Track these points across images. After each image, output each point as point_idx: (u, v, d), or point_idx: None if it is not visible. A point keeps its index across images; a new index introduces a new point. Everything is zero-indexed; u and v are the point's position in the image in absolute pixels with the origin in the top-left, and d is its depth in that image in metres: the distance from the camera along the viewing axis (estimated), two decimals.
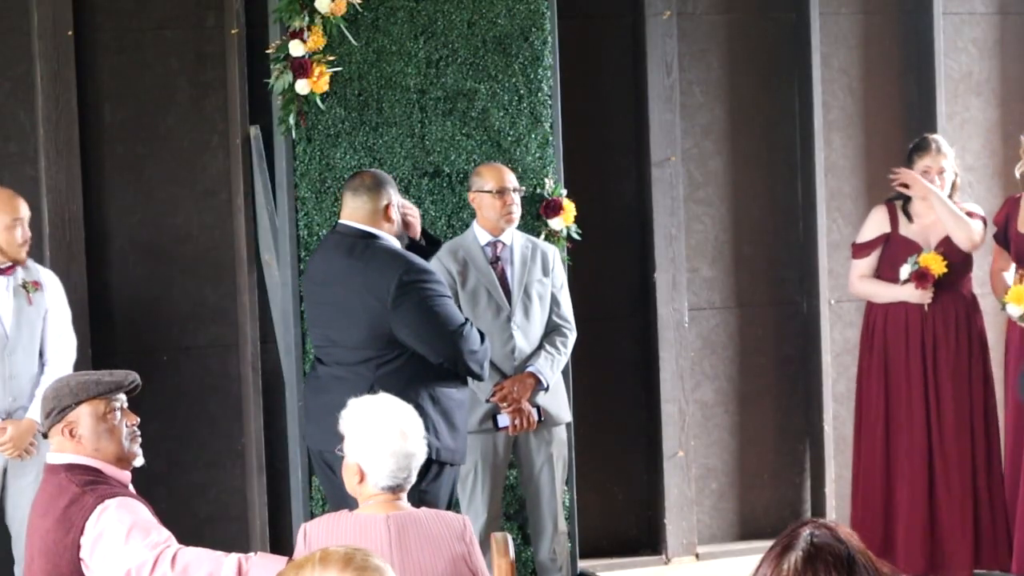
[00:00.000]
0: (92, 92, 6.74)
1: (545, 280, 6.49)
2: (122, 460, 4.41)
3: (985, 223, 6.94)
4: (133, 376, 4.49)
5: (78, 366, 6.33)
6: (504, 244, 6.44)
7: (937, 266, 6.79)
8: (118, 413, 4.38)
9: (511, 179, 6.44)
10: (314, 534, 4.19)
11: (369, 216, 5.64)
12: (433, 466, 5.42)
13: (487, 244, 6.43)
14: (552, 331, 6.49)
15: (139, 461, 4.47)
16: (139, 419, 4.46)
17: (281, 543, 6.89)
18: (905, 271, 6.83)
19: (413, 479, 4.25)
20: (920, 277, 6.79)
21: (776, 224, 7.67)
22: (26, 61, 6.64)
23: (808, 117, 7.58)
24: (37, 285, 6.16)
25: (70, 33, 6.63)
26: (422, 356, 5.54)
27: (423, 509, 4.27)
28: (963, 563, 6.83)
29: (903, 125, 7.66)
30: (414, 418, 4.28)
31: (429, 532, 4.17)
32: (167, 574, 4.18)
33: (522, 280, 6.43)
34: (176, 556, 4.21)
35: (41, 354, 6.15)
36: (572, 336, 6.54)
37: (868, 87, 7.77)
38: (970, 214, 6.92)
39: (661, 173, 7.36)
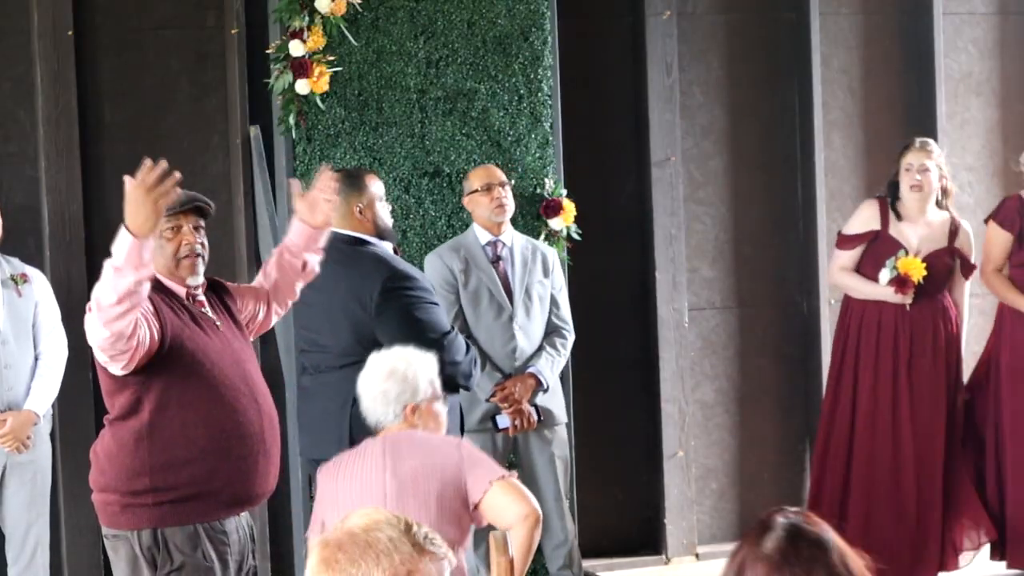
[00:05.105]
0: (92, 92, 6.74)
1: (545, 281, 6.53)
2: (173, 275, 4.69)
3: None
4: (187, 197, 4.67)
5: (76, 364, 6.33)
6: (504, 244, 6.49)
7: (916, 271, 6.71)
8: (170, 232, 4.65)
9: (498, 174, 6.50)
10: (323, 476, 4.64)
11: (342, 221, 5.60)
12: None
13: (487, 244, 6.48)
14: (552, 332, 6.53)
15: (193, 280, 4.71)
16: (199, 241, 4.69)
17: (281, 542, 6.89)
18: (884, 275, 6.77)
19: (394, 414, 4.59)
20: (900, 283, 6.72)
21: (776, 224, 7.67)
22: (26, 61, 6.65)
23: (808, 117, 7.58)
24: (25, 277, 6.17)
25: (70, 33, 6.64)
26: None
27: (419, 431, 4.58)
28: (931, 564, 6.81)
29: (903, 125, 7.66)
30: (413, 359, 4.66)
31: (422, 441, 4.51)
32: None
33: (523, 281, 6.47)
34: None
35: (35, 345, 6.15)
36: (571, 338, 6.59)
37: (868, 87, 7.77)
38: (954, 221, 6.88)
39: (661, 173, 7.36)
